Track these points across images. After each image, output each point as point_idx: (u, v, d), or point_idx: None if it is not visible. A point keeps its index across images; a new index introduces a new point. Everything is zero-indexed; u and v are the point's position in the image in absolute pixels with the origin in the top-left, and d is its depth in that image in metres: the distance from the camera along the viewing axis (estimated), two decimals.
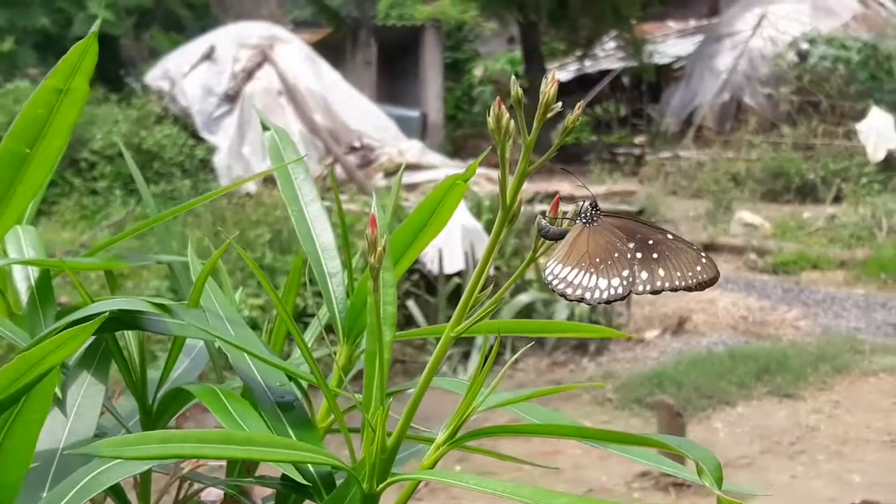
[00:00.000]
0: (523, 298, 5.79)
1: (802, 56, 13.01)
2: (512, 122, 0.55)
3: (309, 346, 0.76)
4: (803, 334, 6.11)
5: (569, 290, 0.65)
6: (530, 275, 6.09)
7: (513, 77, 0.56)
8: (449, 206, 0.66)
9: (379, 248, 0.53)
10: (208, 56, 10.70)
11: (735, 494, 0.57)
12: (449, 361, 5.42)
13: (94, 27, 0.87)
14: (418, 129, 12.97)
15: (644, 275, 0.67)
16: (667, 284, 0.68)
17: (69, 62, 0.64)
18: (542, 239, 0.63)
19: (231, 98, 10.28)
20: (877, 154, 10.90)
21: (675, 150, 13.26)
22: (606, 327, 0.83)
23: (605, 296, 0.66)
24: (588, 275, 0.65)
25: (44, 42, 12.20)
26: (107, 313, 0.52)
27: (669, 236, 0.68)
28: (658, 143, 14.45)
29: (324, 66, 11.11)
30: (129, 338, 0.68)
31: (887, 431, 4.46)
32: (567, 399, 4.91)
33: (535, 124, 0.54)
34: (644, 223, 0.69)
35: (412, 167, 9.72)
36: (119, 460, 0.52)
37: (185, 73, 10.62)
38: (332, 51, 13.77)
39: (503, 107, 0.55)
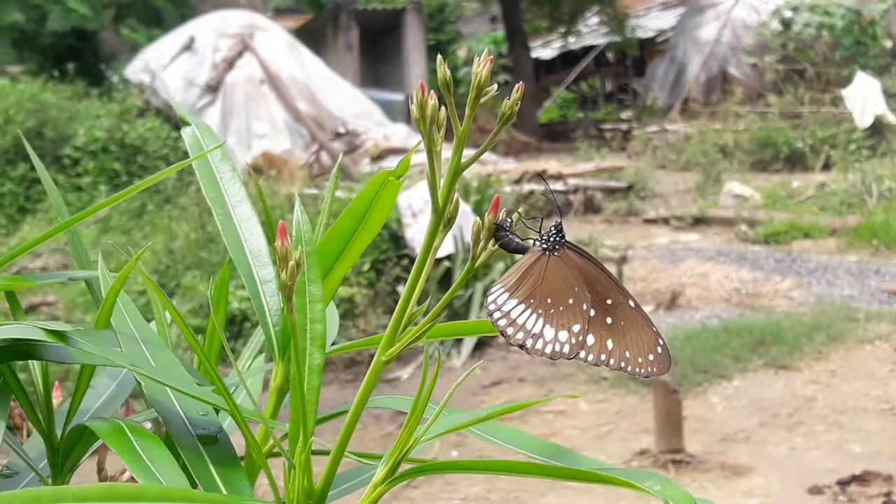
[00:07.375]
0: None
1: (786, 24, 12.94)
2: (443, 109, 0.48)
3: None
4: (797, 304, 6.06)
5: (510, 330, 0.57)
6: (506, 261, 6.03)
7: (439, 57, 0.49)
8: (383, 206, 0.58)
9: (291, 263, 0.46)
10: (188, 47, 10.59)
11: None
12: (442, 346, 5.37)
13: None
14: (403, 113, 12.89)
15: (591, 339, 0.59)
16: (611, 362, 0.59)
17: None
18: (478, 243, 0.56)
19: (213, 88, 10.18)
20: (864, 120, 10.84)
21: (662, 123, 13.21)
22: None
23: (547, 350, 0.58)
24: (536, 317, 0.57)
25: (19, 38, 12.08)
26: None
27: (631, 303, 0.60)
28: (645, 117, 14.39)
29: (305, 52, 11.03)
30: (33, 367, 0.61)
31: (885, 400, 4.42)
32: (562, 379, 4.86)
33: (467, 111, 0.48)
34: (609, 275, 0.60)
35: (398, 151, 9.65)
36: None
37: (166, 64, 10.52)
38: (314, 37, 13.66)
39: (428, 92, 0.48)
